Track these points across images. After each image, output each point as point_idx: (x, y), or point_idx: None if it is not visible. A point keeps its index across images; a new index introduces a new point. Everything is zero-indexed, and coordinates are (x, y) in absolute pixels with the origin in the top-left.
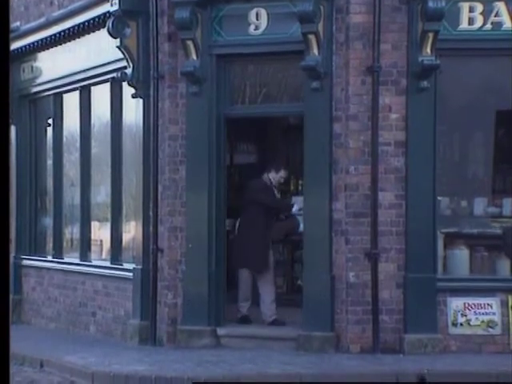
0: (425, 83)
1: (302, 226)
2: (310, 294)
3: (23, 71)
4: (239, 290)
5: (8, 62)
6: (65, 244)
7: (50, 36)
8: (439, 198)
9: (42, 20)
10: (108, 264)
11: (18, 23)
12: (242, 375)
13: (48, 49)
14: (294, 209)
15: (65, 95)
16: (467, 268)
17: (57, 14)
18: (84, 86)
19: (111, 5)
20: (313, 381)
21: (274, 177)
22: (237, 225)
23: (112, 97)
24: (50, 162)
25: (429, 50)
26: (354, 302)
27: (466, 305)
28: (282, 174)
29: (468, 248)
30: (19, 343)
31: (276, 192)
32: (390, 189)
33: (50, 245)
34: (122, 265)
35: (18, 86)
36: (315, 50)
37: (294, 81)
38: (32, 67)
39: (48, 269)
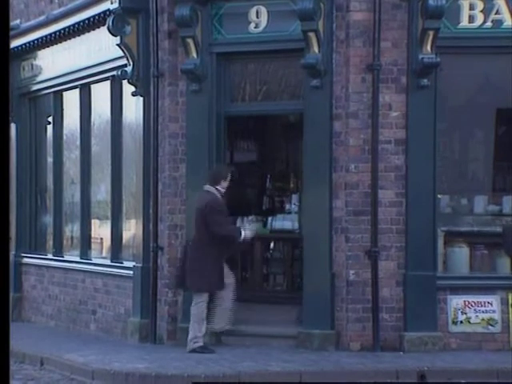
0: (425, 81)
1: (244, 233)
2: (310, 291)
3: (23, 69)
4: (194, 317)
5: (8, 59)
6: (65, 242)
7: (50, 34)
8: (439, 196)
9: (42, 18)
10: (108, 262)
11: (18, 21)
12: (242, 373)
13: (48, 47)
14: (244, 234)
15: (65, 93)
16: (467, 266)
17: (57, 11)
18: (84, 83)
19: (111, 2)
20: (313, 379)
21: (224, 186)
22: (188, 246)
23: (112, 95)
24: (50, 159)
25: (429, 48)
26: (354, 299)
27: (466, 303)
28: (229, 178)
29: (468, 246)
30: (19, 341)
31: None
32: (390, 187)
33: (50, 243)
34: (122, 263)
35: (18, 84)
36: (315, 48)
37: (294, 79)
38: (32, 65)
39: (48, 267)
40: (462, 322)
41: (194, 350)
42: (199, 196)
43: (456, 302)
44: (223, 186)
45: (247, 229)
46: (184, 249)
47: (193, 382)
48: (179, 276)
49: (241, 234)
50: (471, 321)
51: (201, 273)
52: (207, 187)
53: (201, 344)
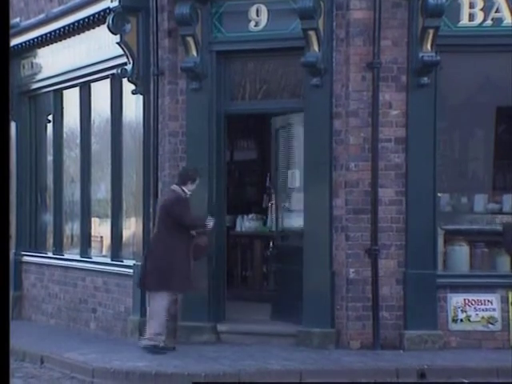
0: (425, 79)
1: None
2: (310, 290)
3: (23, 67)
4: (156, 315)
5: (8, 58)
6: (65, 240)
7: (50, 32)
8: (439, 194)
9: (42, 16)
10: (108, 260)
11: (17, 19)
12: (242, 371)
13: (48, 45)
14: (209, 226)
15: (65, 91)
16: (467, 264)
17: (57, 10)
18: (84, 82)
19: (111, 1)
20: (313, 377)
21: (190, 188)
22: (151, 243)
23: (112, 93)
24: (50, 158)
25: (429, 47)
26: (354, 298)
27: (466, 301)
28: (197, 182)
29: (468, 244)
30: (20, 339)
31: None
32: (390, 185)
33: (50, 241)
34: (122, 261)
35: (18, 83)
36: (315, 47)
37: (294, 77)
38: (32, 63)
39: (48, 265)
40: (462, 320)
41: (148, 348)
42: (163, 194)
43: (456, 300)
44: (189, 188)
45: (210, 220)
46: (148, 247)
47: (193, 381)
48: (145, 277)
49: (205, 221)
50: (471, 319)
51: (167, 271)
52: (173, 186)
53: (158, 343)
